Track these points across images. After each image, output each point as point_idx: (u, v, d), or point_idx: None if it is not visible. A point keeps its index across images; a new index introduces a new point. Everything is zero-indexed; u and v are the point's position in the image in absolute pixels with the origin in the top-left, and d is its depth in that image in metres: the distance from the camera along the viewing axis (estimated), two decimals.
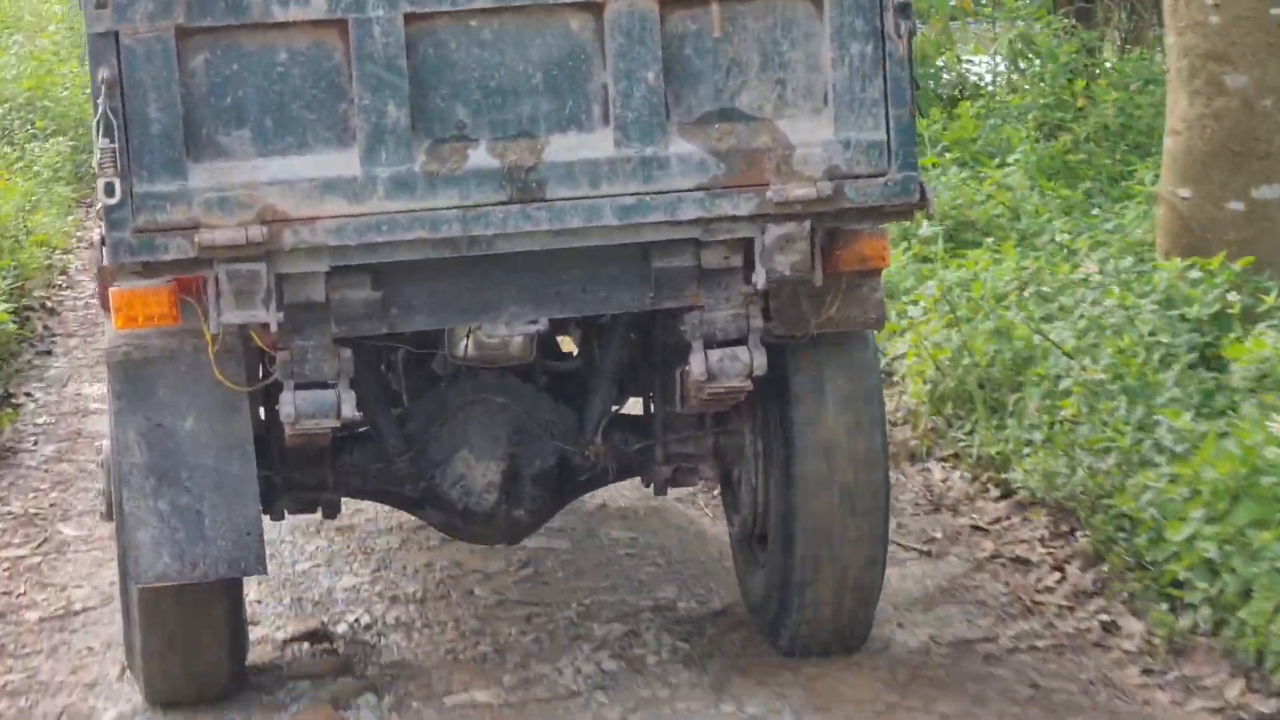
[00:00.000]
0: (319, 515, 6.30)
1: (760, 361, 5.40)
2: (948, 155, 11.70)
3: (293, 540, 7.54)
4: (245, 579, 5.95)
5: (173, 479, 5.38)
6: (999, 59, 14.15)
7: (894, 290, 9.43)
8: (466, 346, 5.79)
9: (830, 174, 5.15)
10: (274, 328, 5.11)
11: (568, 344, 6.69)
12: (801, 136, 5.16)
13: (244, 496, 5.41)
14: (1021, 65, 13.62)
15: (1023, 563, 6.93)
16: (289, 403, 5.27)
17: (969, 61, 14.94)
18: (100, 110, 4.88)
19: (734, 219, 5.17)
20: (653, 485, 6.39)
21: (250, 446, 5.43)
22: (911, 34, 5.14)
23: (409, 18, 5.00)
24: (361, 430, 6.14)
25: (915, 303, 9.03)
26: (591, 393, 6.15)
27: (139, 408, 5.37)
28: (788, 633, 6.02)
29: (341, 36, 5.00)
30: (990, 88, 14.16)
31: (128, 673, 6.07)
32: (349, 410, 5.31)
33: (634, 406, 6.51)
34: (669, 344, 5.89)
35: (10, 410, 9.92)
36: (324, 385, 5.30)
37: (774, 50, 5.16)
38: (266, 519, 5.95)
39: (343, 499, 6.28)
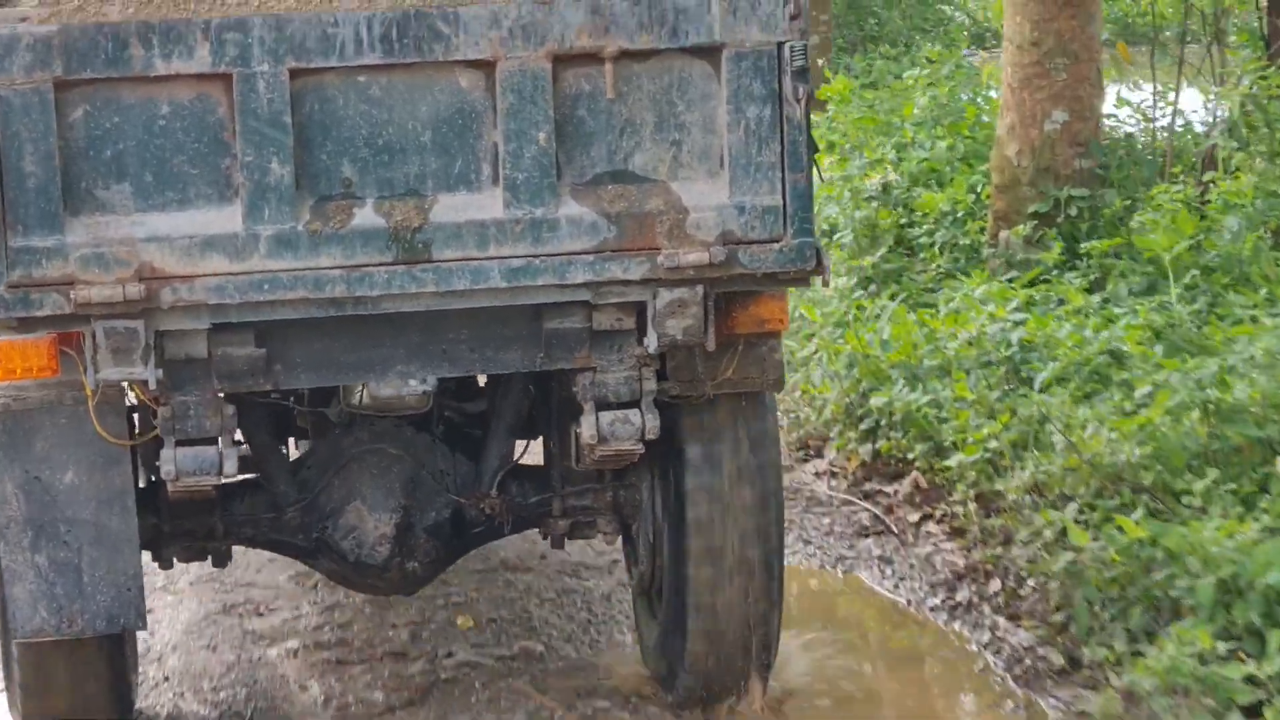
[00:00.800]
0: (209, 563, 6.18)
1: (653, 425, 5.31)
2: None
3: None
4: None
5: (51, 533, 5.28)
6: (1219, 113, 11.12)
7: None
8: (362, 396, 5.68)
9: (724, 239, 5.05)
10: (152, 384, 5.00)
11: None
12: (696, 200, 5.07)
13: (124, 551, 5.32)
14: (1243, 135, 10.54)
15: None
16: (169, 460, 5.16)
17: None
18: None
19: (625, 283, 5.08)
20: (549, 538, 6.29)
21: (131, 500, 5.33)
22: (809, 98, 5.05)
23: (295, 73, 4.89)
24: (253, 477, 6.03)
25: None
26: (489, 444, 6.05)
27: (17, 460, 5.26)
28: (681, 686, 5.94)
29: (225, 91, 4.89)
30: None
31: None
32: (231, 468, 5.21)
33: (535, 454, 6.41)
34: (565, 398, 5.80)
35: None
36: (206, 441, 5.19)
37: (669, 112, 5.06)
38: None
39: (234, 547, 6.16)
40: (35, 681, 5.58)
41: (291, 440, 6.90)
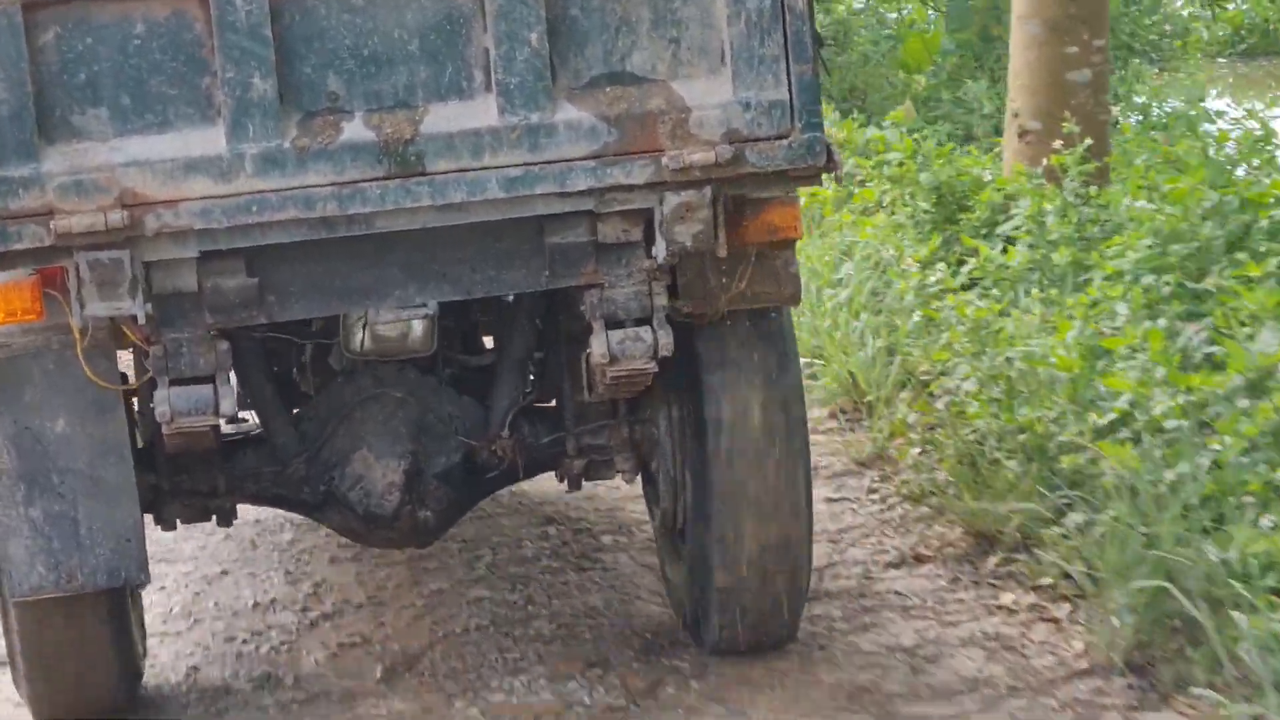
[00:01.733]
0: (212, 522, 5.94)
1: (666, 341, 5.08)
2: None
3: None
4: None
5: (45, 485, 5.07)
6: None
7: None
8: (363, 339, 5.46)
9: (730, 137, 4.82)
10: (142, 319, 4.78)
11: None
12: (698, 98, 4.84)
13: (122, 501, 5.10)
14: None
15: None
16: (163, 400, 4.94)
17: None
18: None
19: (629, 188, 4.84)
20: (566, 480, 6.06)
21: (127, 449, 5.12)
22: None
23: None
24: (254, 432, 5.81)
25: None
26: (498, 384, 5.83)
27: (5, 410, 5.06)
28: (711, 629, 5.70)
29: (201, 5, 4.68)
30: None
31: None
32: (228, 406, 4.98)
33: None
34: (573, 329, 5.57)
35: None
36: (202, 380, 4.97)
37: (666, 6, 4.84)
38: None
39: (238, 505, 5.92)
40: (37, 646, 5.35)
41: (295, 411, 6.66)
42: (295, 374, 6.05)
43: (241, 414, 5.97)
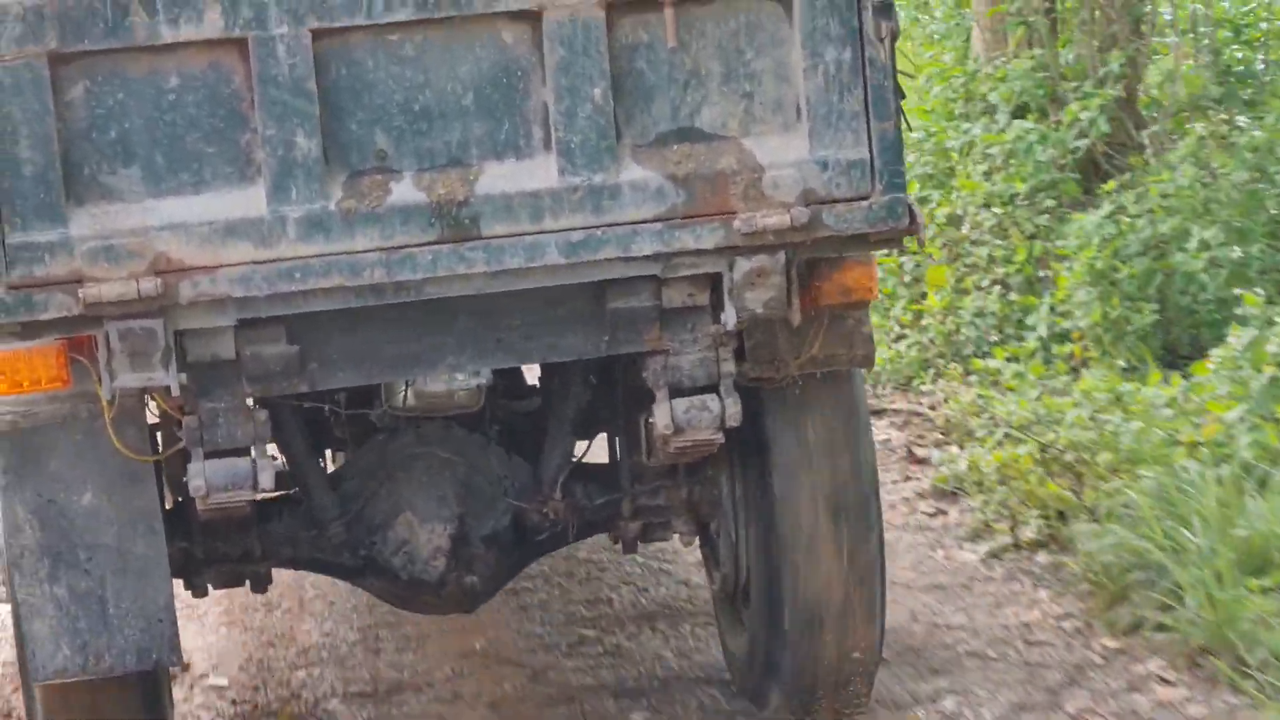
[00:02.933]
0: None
1: (734, 411, 4.76)
2: None
3: None
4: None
5: (70, 561, 4.78)
6: None
7: None
8: (406, 396, 5.15)
9: (806, 198, 4.50)
10: (175, 391, 4.47)
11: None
12: (772, 156, 4.51)
13: (152, 578, 4.81)
14: None
15: None
16: (198, 474, 4.63)
17: None
18: None
19: (698, 253, 4.52)
20: (620, 542, 5.74)
21: (158, 521, 4.82)
22: (894, 36, 4.49)
23: (318, 34, 4.35)
24: (291, 492, 5.50)
25: None
26: (549, 443, 5.51)
27: (29, 482, 4.75)
28: (776, 698, 5.39)
29: (241, 58, 4.36)
30: None
31: None
32: (267, 481, 4.67)
33: (598, 451, 5.85)
34: (633, 386, 5.25)
35: None
36: (239, 452, 4.66)
37: (738, 59, 4.51)
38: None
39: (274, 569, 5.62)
40: None
41: (329, 452, 6.35)
42: (334, 429, 5.73)
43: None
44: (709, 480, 5.54)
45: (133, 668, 4.84)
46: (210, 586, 5.52)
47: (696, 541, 5.91)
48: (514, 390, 5.95)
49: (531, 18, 4.42)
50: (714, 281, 4.62)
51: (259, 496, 4.74)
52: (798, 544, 5.19)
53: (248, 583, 5.56)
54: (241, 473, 4.64)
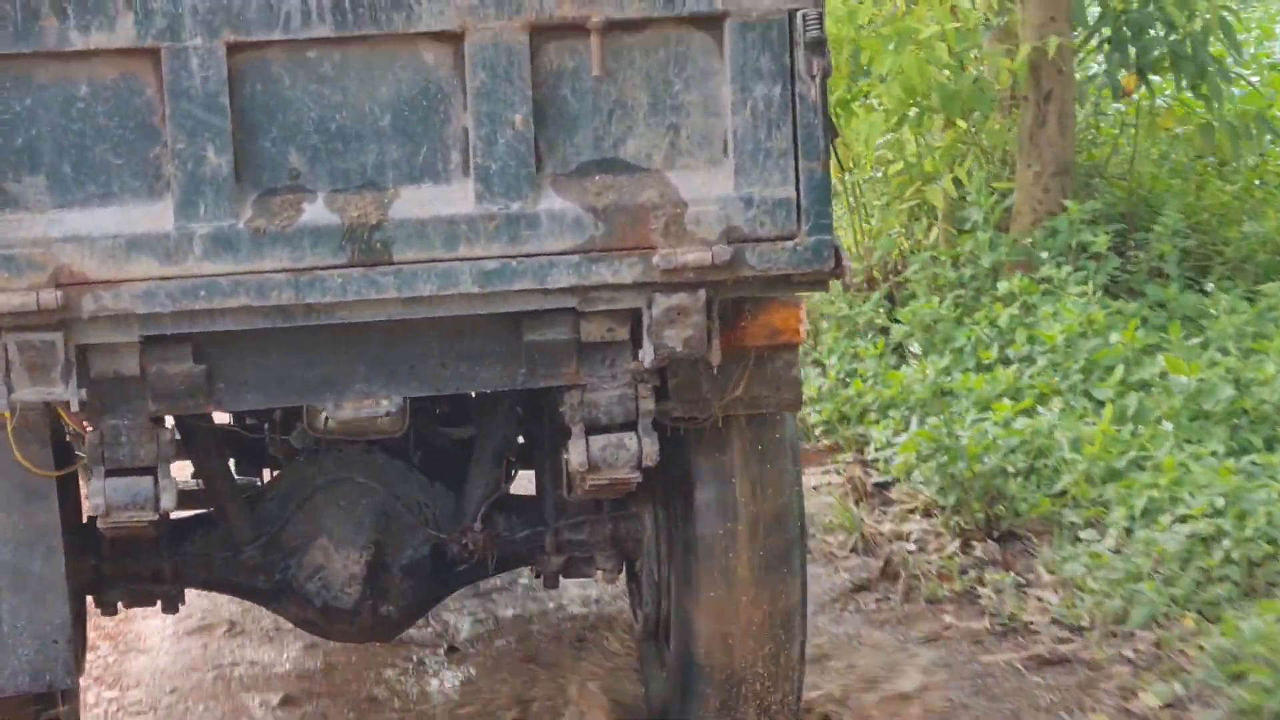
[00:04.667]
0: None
1: (651, 450, 4.65)
2: None
3: None
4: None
5: None
6: None
7: None
8: (327, 419, 5.04)
9: (729, 236, 4.39)
10: (75, 406, 4.36)
11: None
12: (696, 192, 4.40)
13: (48, 599, 4.72)
14: None
15: None
16: (98, 492, 4.53)
17: None
18: None
19: (616, 287, 4.41)
20: (542, 576, 5.64)
21: (57, 539, 4.72)
22: (826, 74, 4.39)
23: (233, 47, 4.25)
24: (206, 512, 5.39)
25: None
26: (472, 473, 5.41)
27: None
28: None
29: (153, 69, 4.25)
30: None
31: None
32: (169, 502, 4.57)
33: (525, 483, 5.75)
34: (555, 420, 5.14)
35: None
36: (142, 471, 4.55)
37: (665, 91, 4.41)
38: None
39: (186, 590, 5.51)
40: None
41: (265, 471, 6.25)
42: (268, 449, 5.64)
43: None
44: (633, 517, 5.44)
45: (25, 689, 4.75)
46: (120, 605, 5.41)
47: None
48: (448, 414, 5.85)
49: (453, 39, 4.31)
50: (634, 317, 4.52)
51: (158, 517, 4.63)
52: (715, 588, 5.09)
53: (158, 603, 5.45)
54: (143, 493, 4.54)
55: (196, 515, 5.41)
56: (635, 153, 4.42)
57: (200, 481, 5.44)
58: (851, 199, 10.79)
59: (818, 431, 9.03)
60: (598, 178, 4.40)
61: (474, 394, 5.37)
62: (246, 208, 4.30)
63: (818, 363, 9.65)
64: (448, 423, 5.88)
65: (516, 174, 4.34)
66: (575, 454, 4.63)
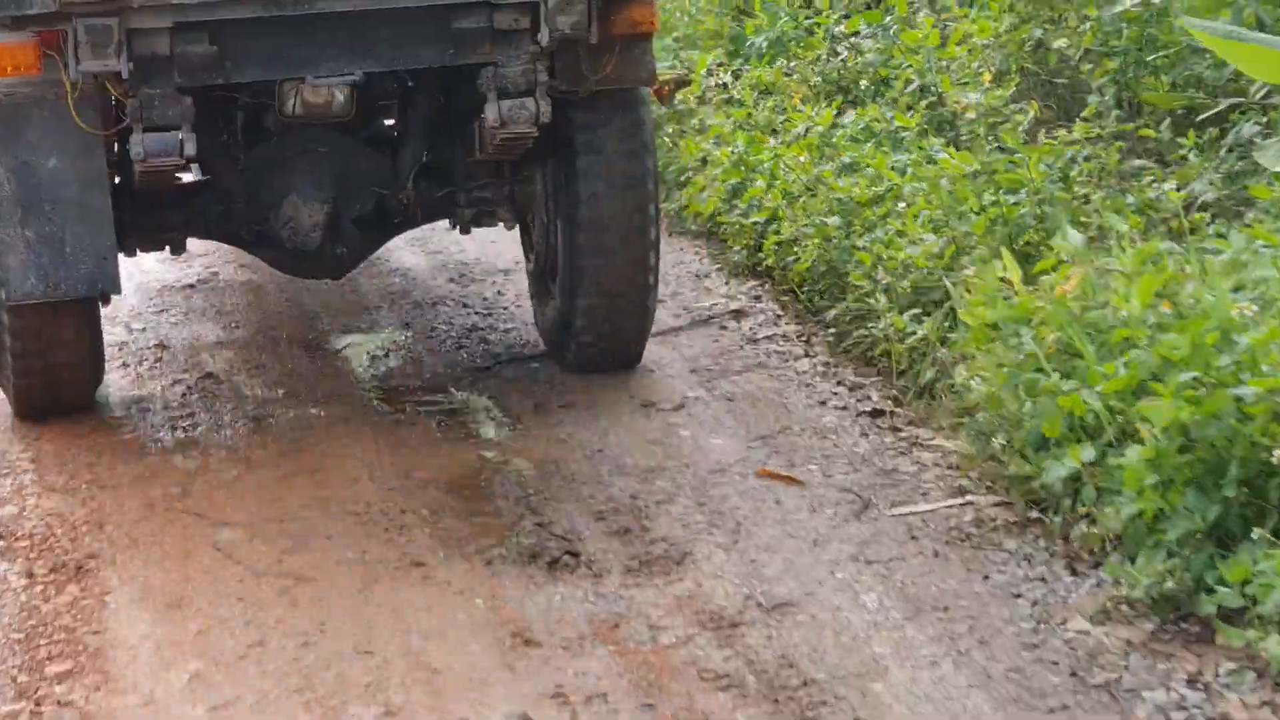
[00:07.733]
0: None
1: (546, 110, 6.31)
2: None
3: None
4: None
5: (38, 210, 6.22)
6: None
7: None
8: (295, 105, 6.63)
9: None
10: (125, 75, 5.94)
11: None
12: None
13: (101, 226, 6.27)
14: None
15: None
16: (138, 143, 6.11)
17: None
18: None
19: None
20: (458, 226, 7.33)
21: (106, 183, 6.29)
22: None
23: None
24: (205, 179, 7.01)
25: None
26: (403, 145, 7.06)
27: (9, 148, 6.20)
28: (572, 352, 7.00)
29: None
30: None
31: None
32: (190, 149, 6.15)
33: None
34: (467, 102, 6.78)
35: None
36: (170, 128, 6.15)
37: None
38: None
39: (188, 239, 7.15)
40: (25, 344, 6.53)
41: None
42: (239, 133, 7.24)
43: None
44: (527, 179, 7.13)
45: (84, 294, 6.33)
46: (138, 249, 7.04)
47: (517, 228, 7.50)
48: (388, 107, 7.46)
49: None
50: (533, 11, 6.17)
51: (183, 161, 6.22)
52: (591, 230, 6.77)
53: (168, 247, 7.09)
54: (171, 143, 6.13)
55: (199, 180, 7.02)
56: None
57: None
58: None
59: None
60: None
61: (407, 84, 7.00)
62: None
63: None
64: (385, 113, 7.50)
65: None
66: (490, 113, 6.28)
